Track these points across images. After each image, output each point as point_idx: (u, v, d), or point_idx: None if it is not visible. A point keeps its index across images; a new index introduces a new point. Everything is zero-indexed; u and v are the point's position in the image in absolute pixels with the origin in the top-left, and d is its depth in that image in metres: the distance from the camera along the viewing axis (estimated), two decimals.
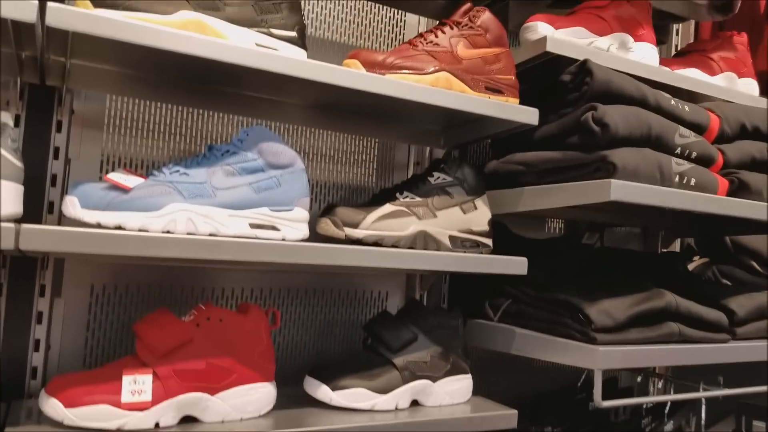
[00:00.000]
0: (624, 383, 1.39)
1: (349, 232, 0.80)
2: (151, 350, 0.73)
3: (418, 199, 0.86)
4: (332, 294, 1.06)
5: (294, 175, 0.73)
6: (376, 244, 0.81)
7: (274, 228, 0.71)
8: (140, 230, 0.64)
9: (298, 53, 0.74)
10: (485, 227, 0.90)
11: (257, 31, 0.71)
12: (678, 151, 0.91)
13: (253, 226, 0.70)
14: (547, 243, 1.18)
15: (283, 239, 0.72)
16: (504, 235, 1.13)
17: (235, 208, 0.69)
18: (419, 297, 1.12)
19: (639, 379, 1.31)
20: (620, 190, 0.80)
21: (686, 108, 0.94)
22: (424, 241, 0.84)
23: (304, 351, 1.04)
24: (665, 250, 1.42)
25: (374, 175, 1.10)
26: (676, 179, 0.89)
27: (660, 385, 1.30)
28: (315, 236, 0.82)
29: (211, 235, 0.68)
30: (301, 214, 0.73)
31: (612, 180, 0.79)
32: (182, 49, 0.64)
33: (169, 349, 0.73)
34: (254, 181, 0.70)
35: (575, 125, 0.86)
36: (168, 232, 0.66)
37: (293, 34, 0.73)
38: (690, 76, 1.00)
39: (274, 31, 0.71)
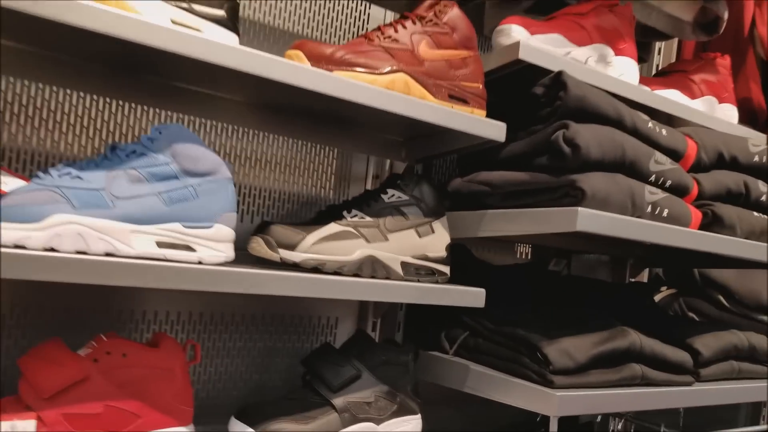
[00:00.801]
0: (584, 418, 1.30)
1: (285, 254, 0.68)
2: (36, 390, 0.60)
3: (368, 218, 0.75)
4: (274, 319, 0.94)
5: (216, 186, 0.61)
6: (315, 269, 0.69)
7: (188, 248, 0.59)
8: (16, 246, 0.51)
9: (227, 37, 0.62)
10: (442, 253, 0.80)
11: (174, 5, 0.59)
12: (652, 178, 0.82)
13: (161, 245, 0.57)
14: (512, 270, 1.08)
15: (200, 262, 0.60)
16: (465, 259, 1.03)
17: (139, 223, 0.57)
18: (372, 324, 1.00)
19: (599, 418, 1.22)
20: (587, 220, 0.70)
21: (664, 132, 0.86)
22: (371, 267, 0.73)
23: (239, 384, 0.91)
24: (633, 280, 1.34)
25: (327, 188, 0.99)
26: (648, 209, 0.80)
27: (620, 426, 1.22)
28: (248, 258, 0.70)
29: (107, 255, 0.55)
30: (223, 232, 0.61)
31: (579, 208, 0.70)
32: (68, 18, 0.51)
33: (57, 389, 0.60)
34: (165, 191, 0.58)
35: (545, 144, 0.77)
36: (52, 249, 0.53)
37: (221, 13, 0.61)
38: (670, 98, 0.93)
39: (196, 7, 0.59)
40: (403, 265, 0.76)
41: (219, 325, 0.90)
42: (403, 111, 0.69)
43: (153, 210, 0.58)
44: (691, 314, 1.27)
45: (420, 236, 0.78)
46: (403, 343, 0.86)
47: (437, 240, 0.80)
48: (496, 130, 0.76)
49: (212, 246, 0.61)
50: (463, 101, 0.75)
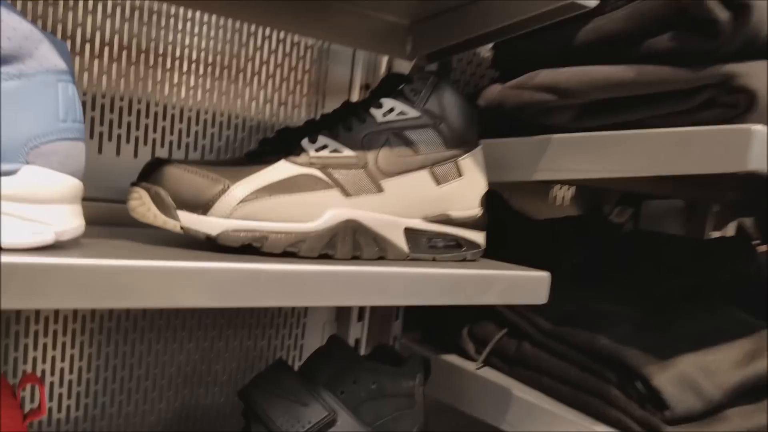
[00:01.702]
0: None
1: (190, 221, 0.39)
2: None
3: (347, 152, 0.45)
4: (209, 310, 0.65)
5: (23, 86, 0.31)
6: (248, 247, 0.39)
7: None
8: None
9: None
10: (474, 210, 0.50)
11: None
12: None
13: None
14: (563, 227, 0.79)
15: None
16: (498, 212, 0.73)
17: None
18: (358, 312, 0.72)
19: None
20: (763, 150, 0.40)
21: None
22: (352, 240, 0.43)
23: (158, 405, 0.64)
24: (716, 234, 1.05)
25: (290, 104, 0.68)
26: None
27: None
28: (131, 221, 0.40)
29: None
30: (46, 182, 0.31)
31: (753, 128, 0.39)
32: None
33: None
34: None
35: (669, 11, 0.45)
36: None
37: None
38: None
39: None
40: (409, 233, 0.46)
41: (124, 320, 0.61)
42: None
43: None
44: None
45: (438, 182, 0.48)
46: (404, 355, 0.57)
47: (466, 188, 0.50)
48: None
49: (20, 212, 0.31)
50: None
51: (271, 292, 0.36)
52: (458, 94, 0.50)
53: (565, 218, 0.86)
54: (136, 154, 0.59)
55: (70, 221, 0.33)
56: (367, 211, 0.44)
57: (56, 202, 0.32)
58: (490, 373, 0.60)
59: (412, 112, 0.48)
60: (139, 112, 0.59)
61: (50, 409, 0.58)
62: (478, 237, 0.51)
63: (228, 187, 0.40)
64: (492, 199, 0.55)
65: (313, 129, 0.46)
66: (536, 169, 0.54)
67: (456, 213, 0.49)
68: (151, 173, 0.40)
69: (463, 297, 0.45)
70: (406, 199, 0.46)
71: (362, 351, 0.74)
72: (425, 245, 0.47)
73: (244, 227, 0.39)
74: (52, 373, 0.58)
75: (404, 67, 0.70)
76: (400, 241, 0.46)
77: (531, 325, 0.58)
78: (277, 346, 0.70)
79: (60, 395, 0.58)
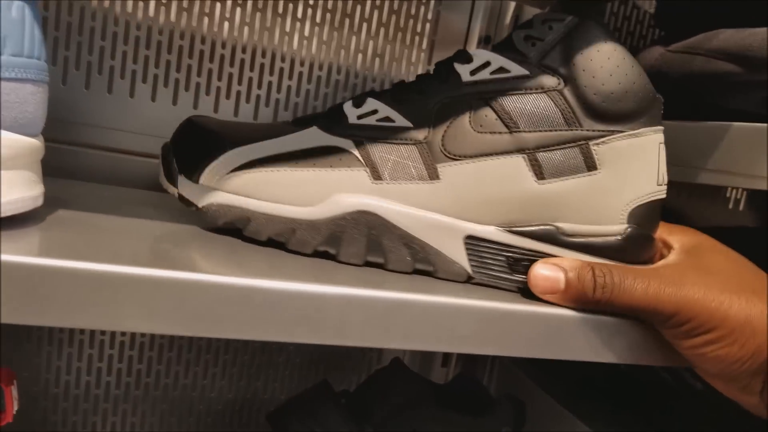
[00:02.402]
0: None
1: (186, 188, 0.31)
2: None
3: (401, 120, 0.32)
4: None
5: None
6: (233, 228, 0.30)
7: None
8: None
9: None
10: (613, 227, 0.34)
11: None
12: None
13: None
14: (731, 239, 0.57)
15: None
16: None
17: None
18: None
19: None
20: None
21: None
22: (367, 239, 0.31)
23: (207, 396, 0.58)
24: None
25: (389, 56, 0.56)
26: None
27: None
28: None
29: None
30: None
31: None
32: None
33: None
34: None
35: None
36: None
37: None
38: None
39: None
40: (474, 245, 0.32)
41: None
42: None
43: None
44: None
45: (541, 176, 0.33)
46: (491, 395, 0.44)
47: (604, 189, 0.34)
48: None
49: None
50: None
51: (262, 322, 0.25)
52: (611, 37, 0.33)
53: (736, 229, 0.64)
54: (215, 109, 0.52)
55: (23, 190, 0.26)
56: (401, 203, 0.31)
57: None
58: None
59: (516, 69, 0.33)
60: (222, 58, 0.51)
61: (99, 369, 0.55)
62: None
63: (225, 152, 0.30)
64: None
65: (366, 96, 0.34)
66: (704, 168, 0.36)
67: (572, 227, 0.33)
68: (179, 131, 0.32)
69: (562, 351, 0.30)
70: (473, 194, 0.32)
71: (451, 366, 0.61)
72: (504, 267, 0.33)
73: (229, 202, 0.29)
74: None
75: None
76: (457, 255, 0.32)
77: (679, 382, 0.41)
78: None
79: (110, 356, 0.55)
